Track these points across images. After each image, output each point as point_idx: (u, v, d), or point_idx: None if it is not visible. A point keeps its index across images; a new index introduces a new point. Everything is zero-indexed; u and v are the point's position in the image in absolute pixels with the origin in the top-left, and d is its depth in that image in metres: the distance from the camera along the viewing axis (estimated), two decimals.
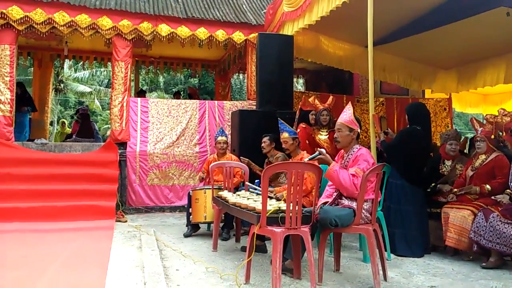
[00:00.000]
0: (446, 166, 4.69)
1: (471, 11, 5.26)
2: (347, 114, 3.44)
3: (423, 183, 4.42)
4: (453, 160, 4.65)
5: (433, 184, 4.59)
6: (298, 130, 5.37)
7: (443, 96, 8.59)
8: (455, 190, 4.31)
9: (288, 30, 6.26)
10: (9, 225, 4.99)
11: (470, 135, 8.08)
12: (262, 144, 4.91)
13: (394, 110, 8.40)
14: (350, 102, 3.91)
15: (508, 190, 3.94)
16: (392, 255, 4.09)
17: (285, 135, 4.34)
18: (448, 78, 8.08)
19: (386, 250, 3.86)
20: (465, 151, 5.56)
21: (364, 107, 8.23)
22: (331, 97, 5.68)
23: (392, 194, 4.31)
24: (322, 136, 5.37)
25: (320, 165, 3.31)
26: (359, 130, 3.44)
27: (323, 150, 3.34)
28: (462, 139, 5.55)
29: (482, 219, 3.80)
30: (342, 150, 3.54)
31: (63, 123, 11.76)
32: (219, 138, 5.43)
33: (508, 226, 3.63)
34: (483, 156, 4.26)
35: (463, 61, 7.48)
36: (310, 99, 5.74)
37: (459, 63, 7.62)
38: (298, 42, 6.51)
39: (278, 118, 4.59)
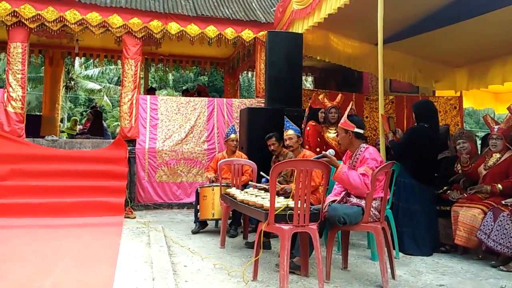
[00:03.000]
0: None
1: (482, 9, 5.19)
2: (342, 117, 3.53)
3: (433, 181, 4.38)
4: (470, 158, 4.60)
5: (444, 188, 4.55)
6: (308, 128, 5.35)
7: (454, 94, 8.50)
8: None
9: (298, 28, 6.24)
10: (20, 220, 5.06)
11: (481, 134, 8.00)
12: (271, 147, 4.90)
13: (403, 108, 8.33)
14: (351, 101, 3.91)
15: None
16: (400, 254, 4.07)
17: (290, 132, 4.35)
18: (458, 76, 8.01)
19: (394, 249, 3.84)
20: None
21: (373, 105, 8.18)
22: (340, 95, 5.65)
23: (400, 193, 4.28)
24: (331, 134, 5.34)
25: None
26: (355, 130, 3.41)
27: (330, 151, 3.31)
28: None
29: (491, 218, 3.77)
30: (349, 151, 3.54)
31: (76, 121, 11.84)
32: (232, 135, 5.40)
33: None
34: (498, 155, 4.20)
35: (473, 59, 7.39)
36: (320, 97, 5.72)
37: (470, 61, 7.53)
38: (307, 40, 6.49)
39: (285, 116, 4.59)
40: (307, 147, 5.05)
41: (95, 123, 9.69)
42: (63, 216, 5.29)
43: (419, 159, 4.22)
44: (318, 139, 5.33)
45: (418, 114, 4.42)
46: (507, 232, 3.61)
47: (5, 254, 3.78)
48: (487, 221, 3.78)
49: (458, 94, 8.45)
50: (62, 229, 4.82)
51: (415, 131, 4.39)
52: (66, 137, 9.41)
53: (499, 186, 4.00)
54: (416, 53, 7.45)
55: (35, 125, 8.82)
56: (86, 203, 5.59)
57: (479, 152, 5.02)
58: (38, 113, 12.41)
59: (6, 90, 6.54)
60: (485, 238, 3.73)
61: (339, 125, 3.55)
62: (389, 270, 3.27)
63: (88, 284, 3.04)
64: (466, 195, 4.23)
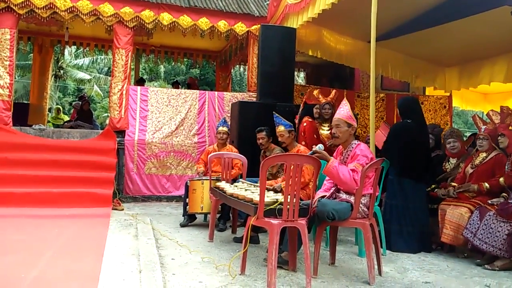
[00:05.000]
0: (450, 164, 4.70)
1: (475, 9, 5.23)
2: (344, 110, 3.45)
3: (422, 178, 4.41)
4: (458, 158, 4.65)
5: (433, 186, 4.59)
6: (305, 124, 5.30)
7: (444, 94, 8.58)
8: (454, 184, 4.31)
9: (292, 22, 6.22)
10: (6, 210, 4.99)
11: (469, 134, 8.11)
12: (260, 140, 4.87)
13: (394, 106, 8.37)
14: (345, 98, 3.89)
15: (504, 194, 3.94)
16: (387, 251, 4.10)
17: (281, 128, 4.35)
18: (449, 76, 8.08)
19: (381, 245, 3.87)
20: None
21: (364, 103, 8.22)
22: (333, 91, 5.65)
23: (389, 190, 4.31)
24: (324, 131, 5.36)
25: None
26: (356, 126, 3.45)
27: (320, 146, 3.32)
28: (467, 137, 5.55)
29: (477, 217, 3.82)
30: (341, 146, 3.53)
31: (58, 109, 11.69)
32: (220, 128, 5.38)
33: (504, 225, 3.64)
34: (484, 154, 4.25)
35: (465, 59, 7.46)
36: (314, 93, 5.68)
37: (461, 61, 7.61)
38: (300, 35, 6.47)
39: (273, 112, 4.58)
40: (303, 143, 5.02)
41: (84, 111, 9.56)
42: (50, 206, 5.23)
43: (406, 155, 4.22)
44: (315, 135, 5.29)
45: (402, 111, 4.45)
46: (493, 231, 3.66)
47: None
48: (473, 220, 3.83)
49: (448, 93, 8.53)
50: (48, 220, 4.76)
51: (399, 127, 4.44)
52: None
53: (486, 185, 4.05)
54: (408, 51, 7.49)
55: (22, 113, 8.67)
56: (74, 194, 5.53)
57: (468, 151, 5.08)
58: (26, 102, 12.21)
59: None
60: (471, 236, 3.78)
61: (340, 117, 3.41)
62: (376, 267, 3.30)
63: (74, 275, 3.00)
64: (453, 193, 4.27)
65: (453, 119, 8.97)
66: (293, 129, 4.38)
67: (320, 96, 5.52)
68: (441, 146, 5.33)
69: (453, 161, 4.69)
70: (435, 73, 8.17)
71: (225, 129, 5.39)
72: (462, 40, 6.39)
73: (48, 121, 10.47)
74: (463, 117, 25.90)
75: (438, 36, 6.31)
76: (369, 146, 3.92)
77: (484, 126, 4.28)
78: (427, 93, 9.08)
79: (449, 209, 4.06)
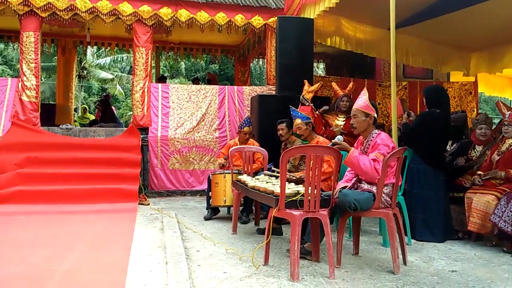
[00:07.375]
0: (476, 152, 4.59)
1: None
2: (362, 100, 3.43)
3: (444, 166, 4.34)
4: (484, 145, 4.54)
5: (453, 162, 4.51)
6: (315, 116, 5.36)
7: (469, 80, 8.35)
8: (480, 173, 4.22)
9: (309, 13, 6.16)
10: (37, 207, 5.18)
11: (497, 121, 7.88)
12: (280, 132, 4.88)
13: (417, 94, 8.22)
14: (365, 87, 3.84)
15: None
16: (412, 240, 4.06)
17: (297, 121, 4.35)
18: (474, 61, 7.85)
19: (406, 235, 3.84)
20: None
21: (386, 92, 8.09)
22: (351, 83, 5.62)
23: (413, 179, 4.26)
24: (339, 121, 5.38)
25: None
26: (375, 115, 3.40)
27: (339, 137, 3.32)
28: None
29: (505, 201, 3.73)
30: (361, 136, 3.51)
31: (85, 109, 12.00)
32: (245, 128, 5.37)
33: None
34: (510, 140, 4.15)
35: (490, 43, 7.23)
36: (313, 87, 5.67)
37: (486, 45, 7.37)
38: (318, 25, 6.41)
39: (290, 106, 4.58)
40: None
41: (105, 112, 9.78)
42: (79, 203, 5.39)
43: (431, 144, 4.19)
44: (322, 128, 5.41)
45: (429, 100, 4.37)
46: None
47: (23, 239, 3.88)
48: (501, 205, 3.74)
49: (473, 79, 8.29)
50: (77, 215, 4.92)
51: (427, 116, 4.35)
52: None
53: None
54: (430, 37, 7.31)
55: (49, 114, 8.92)
56: (101, 190, 5.68)
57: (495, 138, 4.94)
58: (53, 103, 12.56)
59: (20, 79, 6.62)
60: (498, 220, 3.69)
61: (358, 108, 3.39)
62: (400, 256, 3.27)
63: (103, 267, 3.11)
64: (478, 181, 4.18)
65: (480, 105, 8.72)
66: (310, 121, 4.37)
67: (337, 88, 5.54)
68: (466, 135, 5.20)
69: (478, 148, 4.58)
70: (459, 59, 7.94)
71: (249, 129, 5.39)
72: (486, 24, 6.19)
73: (75, 121, 10.76)
74: (491, 104, 25.10)
75: (461, 21, 6.13)
76: (391, 136, 3.88)
77: (509, 112, 4.17)
78: (451, 80, 8.85)
79: (475, 197, 3.98)
